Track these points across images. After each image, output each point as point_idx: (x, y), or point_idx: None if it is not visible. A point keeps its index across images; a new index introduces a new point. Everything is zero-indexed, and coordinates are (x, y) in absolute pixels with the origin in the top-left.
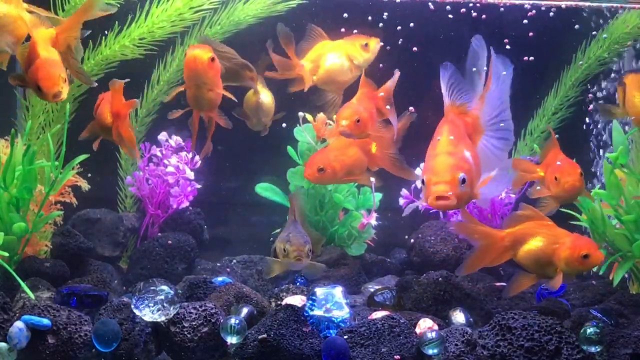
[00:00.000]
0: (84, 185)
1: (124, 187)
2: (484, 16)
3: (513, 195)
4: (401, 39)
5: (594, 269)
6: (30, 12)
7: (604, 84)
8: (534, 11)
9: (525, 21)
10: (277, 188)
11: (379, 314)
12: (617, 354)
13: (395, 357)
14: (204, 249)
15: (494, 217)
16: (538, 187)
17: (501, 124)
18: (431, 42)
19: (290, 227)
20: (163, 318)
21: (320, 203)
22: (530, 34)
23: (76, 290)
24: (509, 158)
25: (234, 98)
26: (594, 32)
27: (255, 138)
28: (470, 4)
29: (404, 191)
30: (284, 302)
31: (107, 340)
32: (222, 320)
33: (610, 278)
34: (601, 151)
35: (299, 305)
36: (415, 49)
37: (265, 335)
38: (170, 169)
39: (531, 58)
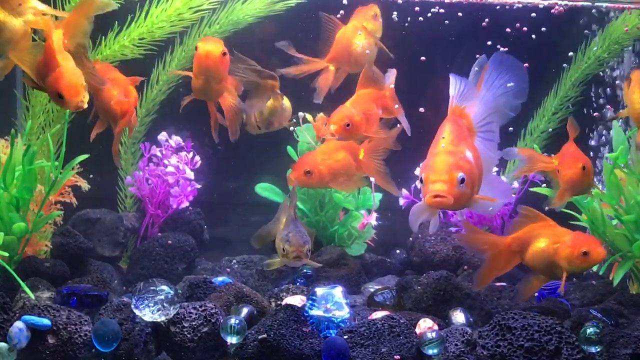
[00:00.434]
0: (84, 185)
1: (124, 187)
2: (486, 21)
3: (513, 196)
4: (400, 39)
5: (594, 269)
6: (43, 13)
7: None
8: (533, 14)
9: (524, 21)
10: (277, 188)
11: (379, 314)
12: (617, 354)
13: (395, 357)
14: (204, 249)
15: (494, 217)
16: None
17: (489, 128)
18: (431, 42)
19: (290, 225)
20: (163, 318)
21: (320, 203)
22: (529, 33)
23: (76, 290)
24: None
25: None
26: (590, 32)
27: (255, 138)
28: (470, 4)
29: (404, 191)
30: (284, 302)
31: (107, 340)
32: (222, 320)
33: (610, 278)
34: (602, 149)
35: (299, 305)
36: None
37: (265, 335)
38: (170, 169)
39: (525, 65)
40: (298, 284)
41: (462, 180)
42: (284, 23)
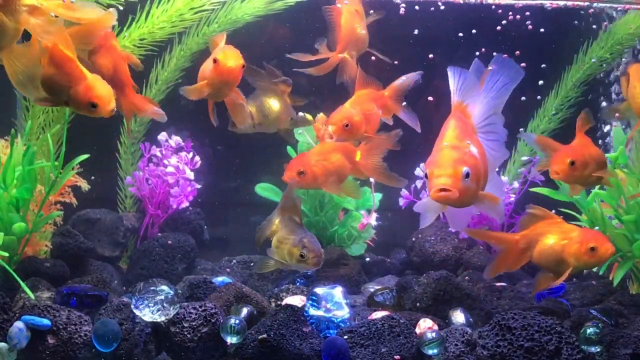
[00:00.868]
0: (84, 185)
1: (124, 187)
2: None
3: (513, 196)
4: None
5: (594, 269)
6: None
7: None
8: (528, 13)
9: (526, 20)
10: (277, 188)
11: (379, 314)
12: (617, 354)
13: (395, 357)
14: (204, 249)
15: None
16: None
17: (491, 128)
18: (430, 42)
19: (299, 230)
20: (163, 318)
21: (320, 203)
22: (529, 33)
23: (76, 290)
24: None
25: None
26: (592, 32)
27: (255, 138)
28: (470, 4)
29: (404, 191)
30: (284, 302)
31: (107, 341)
32: (222, 321)
33: (610, 278)
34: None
35: (299, 305)
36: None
37: (265, 336)
38: (170, 169)
39: (523, 64)
40: (298, 284)
41: (467, 175)
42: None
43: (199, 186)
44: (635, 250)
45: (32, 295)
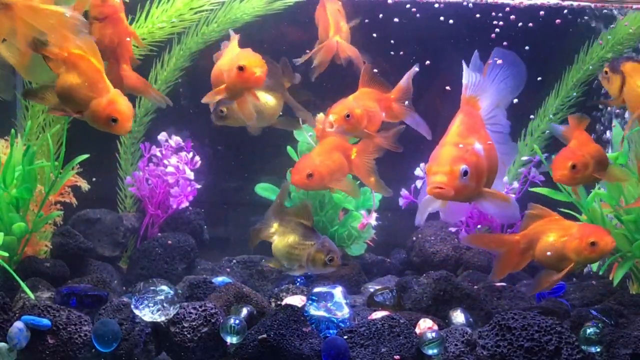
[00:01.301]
0: (84, 185)
1: (124, 187)
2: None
3: (513, 195)
4: (398, 39)
5: (594, 269)
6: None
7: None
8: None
9: (525, 21)
10: (277, 188)
11: (379, 314)
12: (617, 354)
13: (395, 357)
14: (204, 249)
15: (494, 217)
16: None
17: (496, 120)
18: (430, 42)
19: (312, 234)
20: (163, 318)
21: (320, 203)
22: (530, 33)
23: (76, 290)
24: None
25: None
26: (593, 32)
27: (255, 138)
28: (469, 4)
29: (404, 191)
30: (284, 302)
31: (107, 341)
32: (222, 321)
33: (610, 278)
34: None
35: (299, 305)
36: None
37: (265, 336)
38: (170, 169)
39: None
40: (298, 284)
41: (465, 173)
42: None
43: (199, 186)
44: (635, 250)
45: (32, 295)
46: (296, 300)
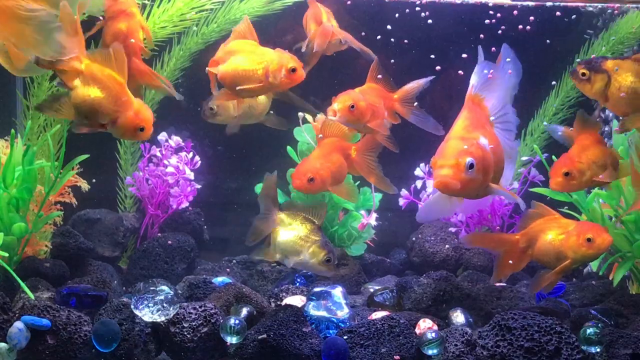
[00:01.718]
0: (84, 185)
1: (124, 187)
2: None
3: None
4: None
5: (594, 269)
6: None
7: None
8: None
9: (526, 21)
10: (277, 188)
11: (378, 314)
12: (617, 354)
13: (395, 357)
14: (204, 249)
15: (493, 217)
16: None
17: (506, 118)
18: (430, 42)
19: (319, 232)
20: (163, 318)
21: None
22: (530, 33)
23: (76, 291)
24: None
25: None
26: (594, 32)
27: (255, 138)
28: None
29: (404, 191)
30: (283, 302)
31: (107, 341)
32: (221, 321)
33: (610, 278)
34: None
35: (299, 305)
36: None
37: (265, 336)
38: (170, 169)
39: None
40: (298, 284)
41: (471, 166)
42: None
43: (199, 186)
44: (635, 250)
45: (32, 296)
46: (296, 300)
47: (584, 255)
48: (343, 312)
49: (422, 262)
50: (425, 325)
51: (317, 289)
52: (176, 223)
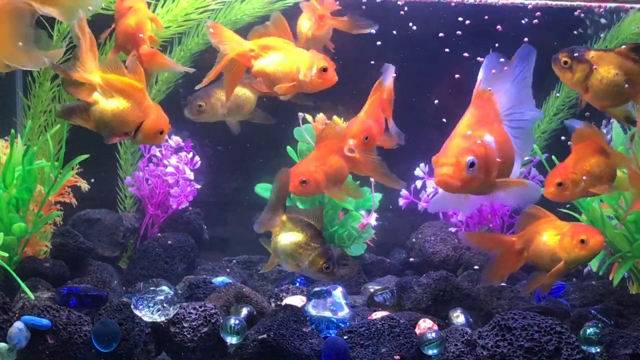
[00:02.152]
0: (84, 185)
1: (124, 187)
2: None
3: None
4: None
5: (594, 269)
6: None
7: None
8: (538, 13)
9: (527, 20)
10: None
11: (379, 314)
12: (617, 354)
13: (395, 357)
14: (204, 249)
15: (493, 217)
16: None
17: (517, 117)
18: (430, 42)
19: (319, 239)
20: (163, 318)
21: (319, 203)
22: (531, 32)
23: (76, 291)
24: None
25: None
26: (595, 32)
27: (256, 138)
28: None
29: (404, 191)
30: (283, 302)
31: (106, 341)
32: (221, 321)
33: (610, 278)
34: None
35: (299, 305)
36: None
37: (265, 336)
38: (170, 169)
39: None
40: (298, 284)
41: (472, 165)
42: None
43: (198, 186)
44: (635, 250)
45: (32, 296)
46: (296, 300)
47: (577, 256)
48: (343, 312)
49: (422, 262)
50: (425, 326)
51: (317, 289)
52: (176, 223)
